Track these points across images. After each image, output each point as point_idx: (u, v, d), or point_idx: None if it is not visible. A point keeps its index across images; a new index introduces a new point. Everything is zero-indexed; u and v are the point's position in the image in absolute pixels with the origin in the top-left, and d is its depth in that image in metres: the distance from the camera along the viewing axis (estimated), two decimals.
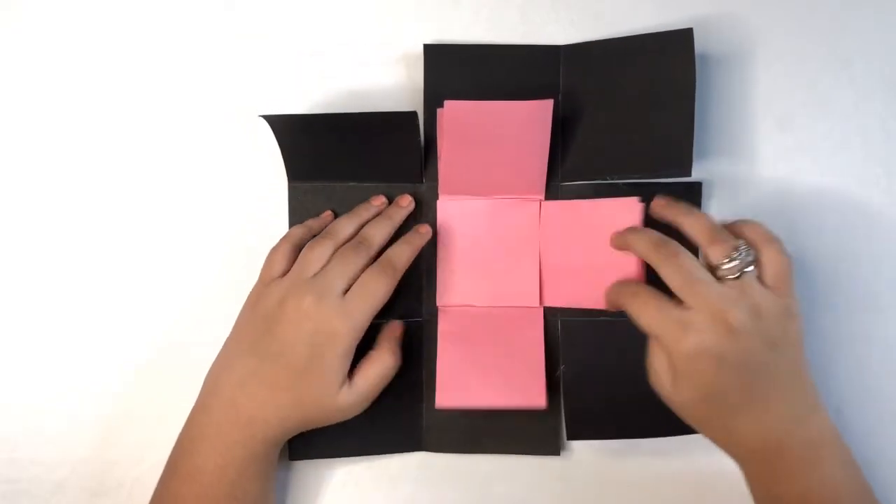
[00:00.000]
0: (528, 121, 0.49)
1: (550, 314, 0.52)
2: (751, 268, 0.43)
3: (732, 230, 0.45)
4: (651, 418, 0.49)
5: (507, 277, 0.52)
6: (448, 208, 0.52)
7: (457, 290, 0.52)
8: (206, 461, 0.46)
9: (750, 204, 0.52)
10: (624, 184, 0.52)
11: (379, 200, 0.51)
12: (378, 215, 0.51)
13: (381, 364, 0.48)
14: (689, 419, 0.45)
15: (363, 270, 0.47)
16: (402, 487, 0.52)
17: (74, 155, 0.53)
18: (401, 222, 0.51)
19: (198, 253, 0.53)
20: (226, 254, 0.53)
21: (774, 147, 0.53)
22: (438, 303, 0.52)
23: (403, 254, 0.49)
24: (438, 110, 0.51)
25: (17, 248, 0.53)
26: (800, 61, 0.52)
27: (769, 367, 0.43)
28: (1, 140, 0.53)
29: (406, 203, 0.51)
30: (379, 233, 0.49)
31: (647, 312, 0.44)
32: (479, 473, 0.52)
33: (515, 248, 0.52)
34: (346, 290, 0.46)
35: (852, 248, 0.52)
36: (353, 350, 0.47)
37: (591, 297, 0.51)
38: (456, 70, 0.52)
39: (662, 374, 0.45)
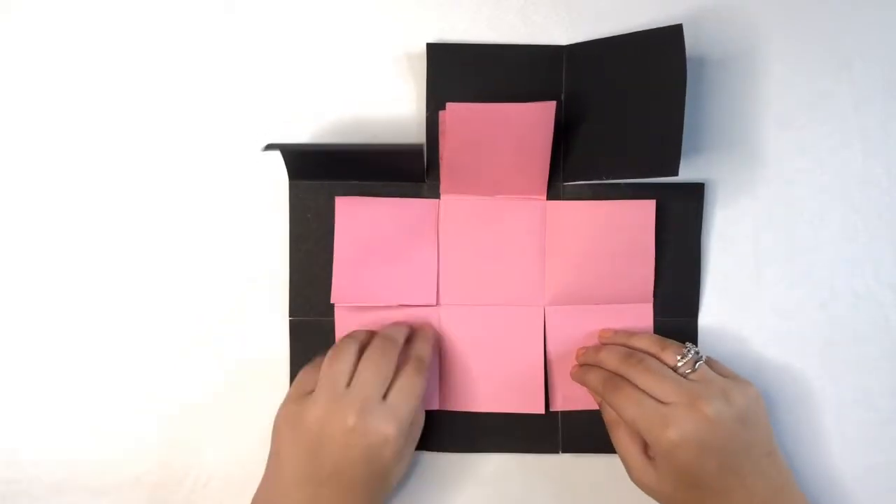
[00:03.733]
0: (531, 122, 0.49)
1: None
2: (702, 361, 0.48)
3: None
4: None
5: (510, 277, 0.52)
6: (450, 206, 0.52)
7: (458, 289, 0.52)
8: None
9: (750, 204, 0.52)
10: (625, 184, 0.52)
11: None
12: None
13: (419, 428, 0.50)
14: (662, 501, 0.48)
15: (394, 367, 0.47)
16: (402, 487, 0.52)
17: (75, 158, 0.53)
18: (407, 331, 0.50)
19: (198, 252, 0.53)
20: (226, 253, 0.53)
21: (774, 147, 0.53)
22: (440, 302, 0.52)
23: (427, 349, 0.50)
24: (441, 113, 0.51)
25: (16, 251, 0.53)
26: (800, 61, 0.53)
27: (745, 446, 0.46)
28: (5, 149, 0.53)
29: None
30: (399, 333, 0.49)
31: (630, 407, 0.46)
32: (479, 473, 0.52)
33: (518, 247, 0.52)
34: (384, 393, 0.47)
35: (852, 249, 0.52)
36: (405, 450, 0.48)
37: (598, 296, 0.51)
38: (459, 70, 0.52)
39: (641, 468, 0.48)
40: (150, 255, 0.53)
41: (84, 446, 0.52)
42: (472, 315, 0.52)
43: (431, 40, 0.52)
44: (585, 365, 0.51)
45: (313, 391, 0.46)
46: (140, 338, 0.53)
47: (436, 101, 0.51)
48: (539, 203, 0.52)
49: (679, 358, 0.48)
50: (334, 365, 0.46)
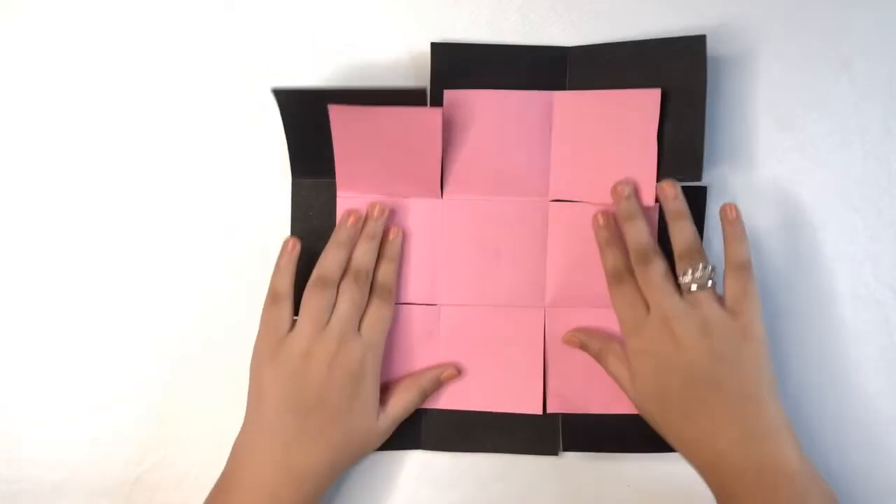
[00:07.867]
0: (527, 112, 0.49)
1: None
2: (707, 285, 0.47)
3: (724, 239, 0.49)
4: (644, 432, 0.49)
5: (510, 277, 0.52)
6: (452, 207, 0.52)
7: (458, 289, 0.52)
8: None
9: (750, 204, 0.52)
10: None
11: (353, 219, 0.50)
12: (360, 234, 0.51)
13: (409, 397, 0.50)
14: (647, 418, 0.48)
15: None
16: (402, 487, 0.52)
17: (75, 159, 0.53)
18: (381, 235, 0.51)
19: (199, 250, 0.53)
20: (226, 253, 0.53)
21: (774, 147, 0.53)
22: (438, 302, 0.52)
23: (390, 273, 0.51)
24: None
25: (19, 247, 0.53)
26: (800, 61, 0.53)
27: (716, 382, 0.45)
28: (10, 141, 0.53)
29: (378, 213, 0.51)
30: (368, 258, 0.50)
31: (622, 304, 0.49)
32: (478, 473, 0.52)
33: (519, 247, 0.52)
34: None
35: (852, 248, 0.52)
36: (379, 375, 0.49)
37: (599, 298, 0.51)
38: (462, 69, 0.51)
39: (622, 371, 0.49)
40: (151, 255, 0.53)
41: (84, 446, 0.52)
42: (472, 315, 0.52)
43: (432, 40, 0.52)
44: (609, 247, 0.50)
45: (289, 329, 0.48)
46: (140, 338, 0.53)
47: (440, 100, 0.51)
48: (541, 202, 0.52)
49: (683, 273, 0.47)
50: (315, 303, 0.48)
